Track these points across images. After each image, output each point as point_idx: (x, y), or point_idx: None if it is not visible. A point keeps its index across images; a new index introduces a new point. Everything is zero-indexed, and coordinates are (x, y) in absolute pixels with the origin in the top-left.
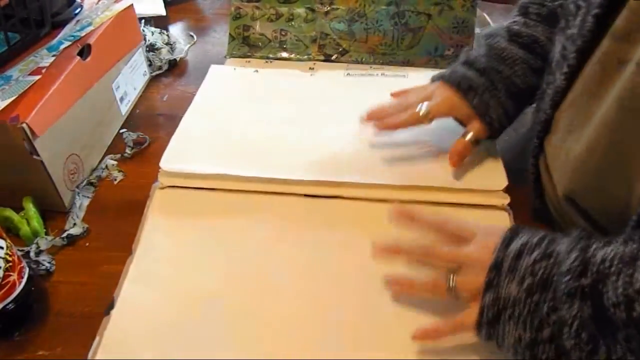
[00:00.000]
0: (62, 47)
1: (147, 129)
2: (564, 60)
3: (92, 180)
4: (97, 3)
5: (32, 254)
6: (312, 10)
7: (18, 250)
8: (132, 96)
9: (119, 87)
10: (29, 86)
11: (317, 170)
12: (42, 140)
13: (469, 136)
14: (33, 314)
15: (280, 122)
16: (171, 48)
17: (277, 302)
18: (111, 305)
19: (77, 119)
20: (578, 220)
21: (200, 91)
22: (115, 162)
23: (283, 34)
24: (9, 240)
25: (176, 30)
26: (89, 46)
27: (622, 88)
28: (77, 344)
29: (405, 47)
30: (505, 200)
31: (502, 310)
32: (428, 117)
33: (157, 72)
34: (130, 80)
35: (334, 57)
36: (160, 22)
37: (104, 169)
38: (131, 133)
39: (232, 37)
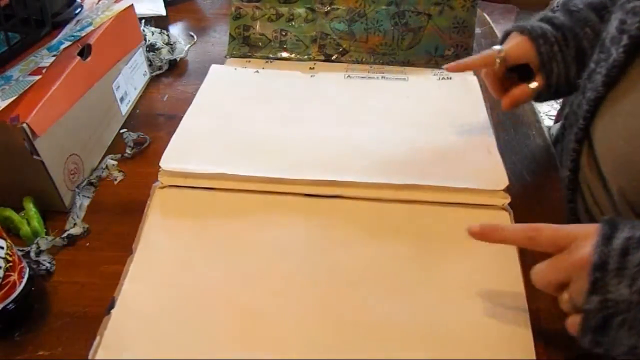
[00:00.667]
0: (62, 47)
1: (148, 129)
2: (623, 33)
3: (93, 180)
4: (98, 3)
5: (32, 254)
6: (312, 10)
7: (18, 250)
8: (133, 96)
9: (119, 87)
10: (29, 86)
11: (318, 170)
12: (42, 140)
13: (533, 85)
14: (33, 314)
15: (281, 121)
16: (171, 48)
17: (277, 302)
18: (111, 305)
19: (77, 119)
20: None
21: (200, 91)
22: (115, 162)
23: (283, 34)
24: (9, 240)
25: (176, 30)
26: (89, 46)
27: None
28: (77, 344)
29: (406, 47)
30: (506, 200)
31: (612, 315)
32: (501, 56)
33: (157, 72)
34: (130, 80)
35: (334, 57)
36: (160, 22)
37: (104, 169)
38: (131, 133)
39: (232, 37)
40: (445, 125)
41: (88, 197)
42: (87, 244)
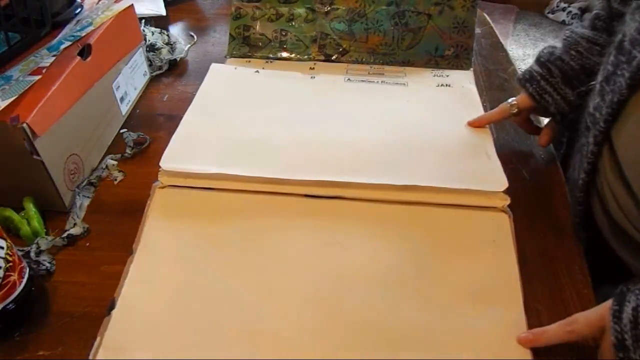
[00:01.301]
0: (62, 47)
1: (148, 129)
2: None
3: (93, 180)
4: (98, 3)
5: (32, 254)
6: (313, 10)
7: (18, 250)
8: (133, 96)
9: (119, 87)
10: (29, 86)
11: (318, 170)
12: (42, 140)
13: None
14: (33, 314)
15: (281, 122)
16: (171, 48)
17: (277, 302)
18: (112, 306)
19: (77, 119)
20: None
21: (200, 90)
22: (115, 162)
23: (283, 34)
24: (9, 241)
25: (176, 30)
26: (89, 46)
27: None
28: (77, 344)
29: (406, 47)
30: (505, 201)
31: None
32: (514, 111)
33: (158, 72)
34: (130, 80)
35: (334, 57)
36: (160, 22)
37: (104, 169)
38: (131, 133)
39: (232, 37)
40: (445, 126)
41: (88, 197)
42: (87, 244)
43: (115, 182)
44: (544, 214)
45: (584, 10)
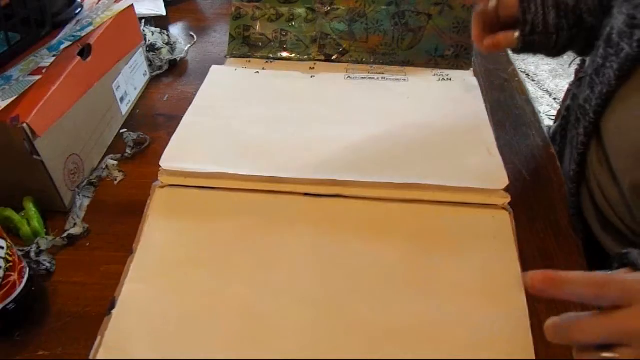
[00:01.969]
0: (62, 47)
1: (148, 129)
2: (635, 28)
3: (93, 180)
4: (98, 3)
5: (32, 254)
6: (313, 10)
7: (18, 250)
8: (133, 96)
9: (119, 87)
10: (29, 86)
11: (318, 169)
12: (42, 140)
13: (517, 34)
14: (33, 314)
15: (281, 121)
16: (171, 48)
17: (277, 302)
18: (112, 305)
19: (77, 119)
20: None
21: (200, 91)
22: (115, 162)
23: (283, 34)
24: (9, 240)
25: (176, 30)
26: (89, 46)
27: None
28: (77, 344)
29: (406, 47)
30: (506, 199)
31: None
32: (494, 6)
33: (158, 72)
34: (130, 80)
35: (334, 57)
36: (160, 22)
37: (104, 169)
38: (131, 133)
39: (232, 37)
40: (446, 124)
41: (88, 197)
42: (87, 244)
43: (115, 182)
44: (544, 214)
45: None
